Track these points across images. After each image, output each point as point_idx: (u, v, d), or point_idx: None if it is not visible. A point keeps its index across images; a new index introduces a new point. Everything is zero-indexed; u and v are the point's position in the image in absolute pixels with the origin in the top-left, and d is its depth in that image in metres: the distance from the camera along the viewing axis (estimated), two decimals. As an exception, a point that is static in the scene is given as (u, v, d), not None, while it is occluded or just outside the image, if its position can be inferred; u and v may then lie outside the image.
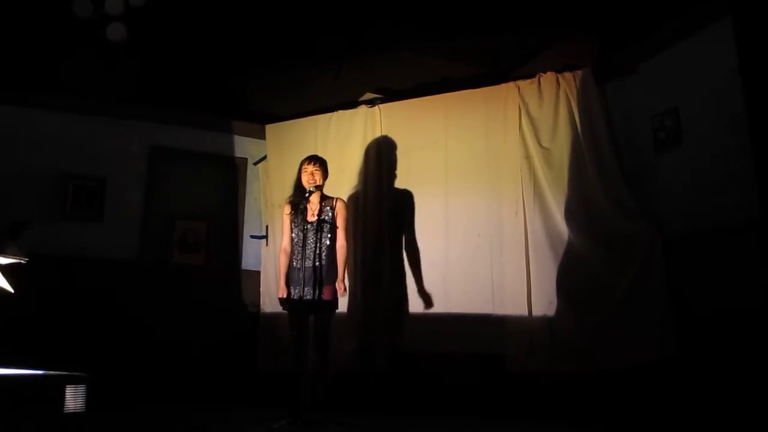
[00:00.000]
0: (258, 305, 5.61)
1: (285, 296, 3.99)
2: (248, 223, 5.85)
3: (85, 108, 5.40)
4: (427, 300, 4.73)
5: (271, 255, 5.60)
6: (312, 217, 3.96)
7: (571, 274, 4.33)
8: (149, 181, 5.57)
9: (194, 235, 5.64)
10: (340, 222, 4.03)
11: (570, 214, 4.40)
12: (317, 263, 3.84)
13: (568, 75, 4.62)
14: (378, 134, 5.21)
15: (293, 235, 4.05)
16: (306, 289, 3.83)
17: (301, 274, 3.84)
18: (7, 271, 3.02)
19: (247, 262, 5.76)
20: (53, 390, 2.57)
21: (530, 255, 4.49)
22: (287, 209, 4.14)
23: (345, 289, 3.97)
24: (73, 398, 2.59)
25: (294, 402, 3.75)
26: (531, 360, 4.34)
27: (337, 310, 4.04)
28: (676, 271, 3.94)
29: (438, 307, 4.73)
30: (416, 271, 4.85)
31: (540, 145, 4.64)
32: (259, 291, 5.64)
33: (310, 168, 4.03)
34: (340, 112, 5.44)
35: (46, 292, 4.73)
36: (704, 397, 3.65)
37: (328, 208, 4.03)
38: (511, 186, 4.65)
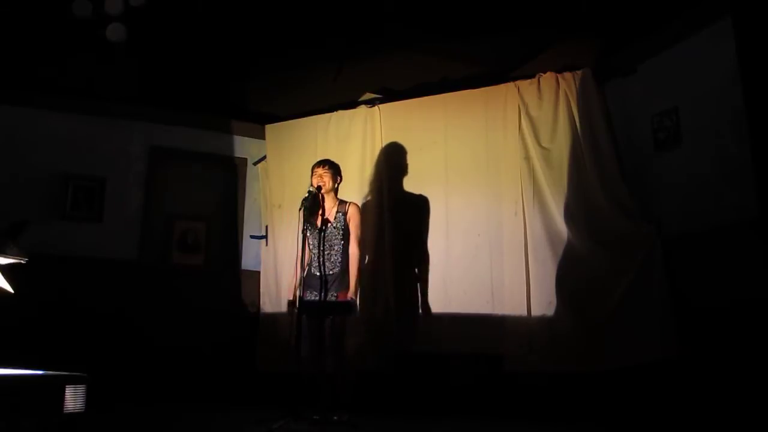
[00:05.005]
0: (258, 305, 5.61)
1: (292, 299, 3.98)
2: (248, 223, 5.85)
3: (85, 108, 5.40)
4: (426, 310, 4.72)
5: (270, 255, 5.60)
6: (319, 220, 3.96)
7: (571, 274, 4.33)
8: (149, 181, 5.56)
9: (194, 235, 5.64)
10: (353, 228, 4.00)
11: (569, 214, 4.40)
12: (323, 271, 3.85)
13: (567, 75, 4.62)
14: (378, 134, 5.21)
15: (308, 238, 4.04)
16: (313, 293, 3.85)
17: (310, 279, 3.89)
18: (7, 271, 3.02)
19: (247, 263, 5.76)
20: (53, 390, 2.57)
21: (530, 255, 4.49)
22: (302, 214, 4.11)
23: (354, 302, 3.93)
24: (73, 398, 2.59)
25: (318, 403, 3.76)
26: (531, 360, 4.34)
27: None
28: (676, 271, 3.93)
29: (438, 307, 4.73)
30: (423, 278, 4.83)
31: (540, 145, 4.64)
32: (259, 291, 5.64)
33: (319, 171, 4.02)
34: (340, 112, 5.44)
35: (46, 292, 4.72)
36: (704, 396, 3.64)
37: (340, 213, 4.02)
38: (511, 186, 4.65)
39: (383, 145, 5.15)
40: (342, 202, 4.08)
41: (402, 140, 5.09)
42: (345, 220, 4.00)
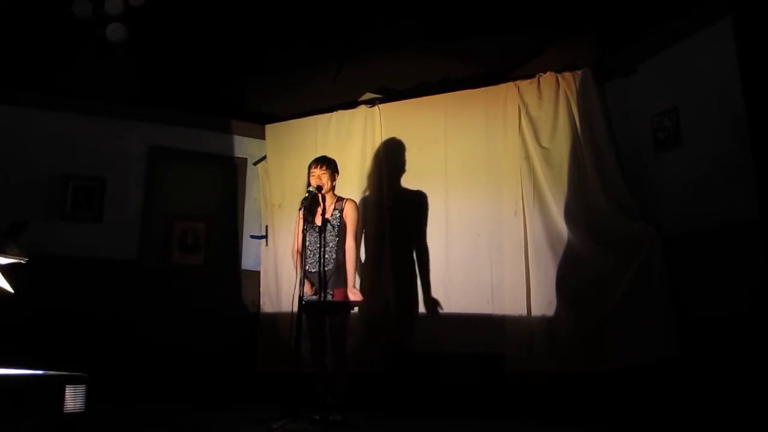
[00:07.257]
0: (258, 305, 5.61)
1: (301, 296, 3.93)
2: (248, 223, 5.85)
3: (85, 108, 5.40)
4: (432, 307, 4.70)
5: (270, 255, 5.60)
6: (319, 219, 3.96)
7: (571, 274, 4.33)
8: (149, 181, 5.56)
9: (194, 235, 5.64)
10: (349, 223, 4.00)
11: (570, 214, 4.40)
12: (322, 268, 3.84)
13: (567, 75, 4.62)
14: (378, 134, 5.21)
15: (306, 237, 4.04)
16: (312, 292, 3.85)
17: (309, 277, 3.88)
18: (7, 271, 3.02)
19: (247, 263, 5.76)
20: (53, 390, 2.57)
21: (530, 255, 4.50)
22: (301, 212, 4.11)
23: (358, 296, 3.90)
24: (73, 398, 2.60)
25: (317, 402, 3.77)
26: (531, 360, 4.34)
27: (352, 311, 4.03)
28: (676, 271, 3.93)
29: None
30: (424, 275, 4.82)
31: (540, 145, 4.64)
32: (259, 291, 5.64)
33: (317, 172, 4.01)
34: (340, 112, 5.44)
35: (46, 292, 4.72)
36: (704, 397, 3.65)
37: (337, 211, 4.02)
38: (511, 186, 4.65)
39: (383, 145, 5.15)
40: (339, 199, 4.08)
41: (402, 140, 5.09)
42: (341, 217, 4.01)
